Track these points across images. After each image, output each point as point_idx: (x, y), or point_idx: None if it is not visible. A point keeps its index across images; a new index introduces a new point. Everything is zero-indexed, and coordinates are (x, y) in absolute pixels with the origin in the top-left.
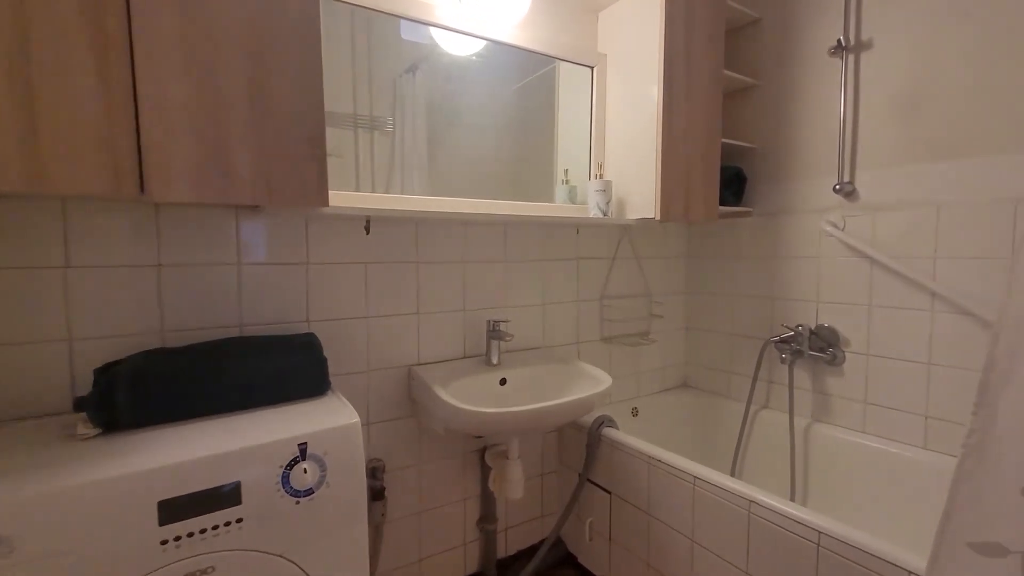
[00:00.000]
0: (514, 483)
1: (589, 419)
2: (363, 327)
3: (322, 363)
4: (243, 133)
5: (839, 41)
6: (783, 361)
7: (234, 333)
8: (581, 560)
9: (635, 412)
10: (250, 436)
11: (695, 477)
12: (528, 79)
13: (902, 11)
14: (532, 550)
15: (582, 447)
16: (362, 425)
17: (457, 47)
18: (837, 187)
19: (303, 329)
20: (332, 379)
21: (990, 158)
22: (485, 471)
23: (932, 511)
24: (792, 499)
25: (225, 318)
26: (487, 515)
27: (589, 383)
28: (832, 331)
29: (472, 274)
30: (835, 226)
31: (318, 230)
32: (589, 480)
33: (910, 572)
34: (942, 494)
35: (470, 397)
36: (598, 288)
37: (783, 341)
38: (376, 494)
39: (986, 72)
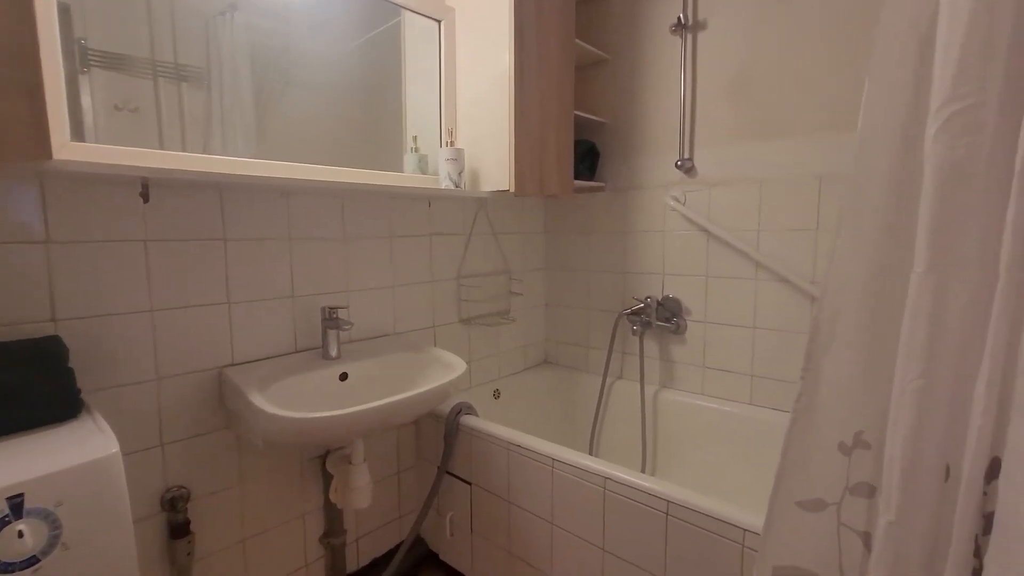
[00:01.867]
0: (359, 491)
1: (446, 408)
2: (147, 323)
3: (65, 376)
4: None
5: (679, 19)
6: (634, 333)
7: None
8: (443, 557)
9: (497, 394)
10: None
11: (553, 459)
12: (372, 34)
13: None
14: (390, 555)
15: (440, 438)
16: (155, 447)
17: None
18: (679, 163)
19: (47, 331)
20: (91, 396)
21: (801, 138)
22: (328, 479)
23: (760, 460)
24: (643, 467)
25: None
26: (333, 528)
27: (442, 370)
28: (676, 301)
29: (302, 254)
30: (677, 201)
31: (64, 196)
32: (448, 472)
33: (747, 531)
34: (767, 444)
35: (301, 398)
36: (454, 267)
37: (634, 313)
38: (177, 530)
39: (798, 57)
